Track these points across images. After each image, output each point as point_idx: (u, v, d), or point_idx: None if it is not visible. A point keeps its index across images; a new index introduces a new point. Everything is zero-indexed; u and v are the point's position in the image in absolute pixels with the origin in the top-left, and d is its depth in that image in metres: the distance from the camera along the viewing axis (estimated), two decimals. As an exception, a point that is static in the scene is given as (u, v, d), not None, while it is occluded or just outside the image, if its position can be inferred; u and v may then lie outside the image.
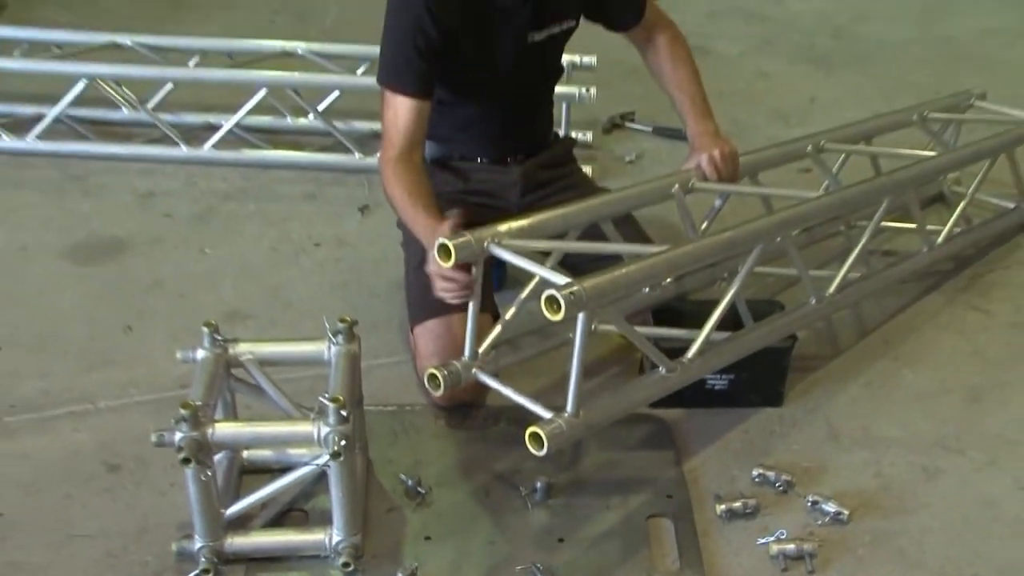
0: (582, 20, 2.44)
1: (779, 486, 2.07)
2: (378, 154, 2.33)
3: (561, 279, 1.79)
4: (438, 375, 1.97)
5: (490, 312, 2.26)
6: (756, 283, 2.54)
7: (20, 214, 3.04)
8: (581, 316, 1.80)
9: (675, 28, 2.54)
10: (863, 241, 2.45)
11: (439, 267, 1.97)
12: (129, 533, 1.95)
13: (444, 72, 2.29)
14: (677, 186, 2.31)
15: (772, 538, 1.94)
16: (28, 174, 3.26)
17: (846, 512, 2.00)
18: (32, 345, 2.48)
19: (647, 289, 2.33)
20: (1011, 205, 2.97)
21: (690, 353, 2.08)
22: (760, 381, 2.29)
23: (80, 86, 3.31)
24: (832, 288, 2.37)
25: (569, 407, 1.85)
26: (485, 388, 2.19)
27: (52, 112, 3.34)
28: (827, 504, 2.01)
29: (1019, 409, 2.34)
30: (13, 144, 3.35)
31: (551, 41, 2.37)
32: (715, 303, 2.12)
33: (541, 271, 1.90)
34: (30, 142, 3.35)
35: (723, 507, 2.01)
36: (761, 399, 2.30)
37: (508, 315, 2.08)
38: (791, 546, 1.91)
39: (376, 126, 3.38)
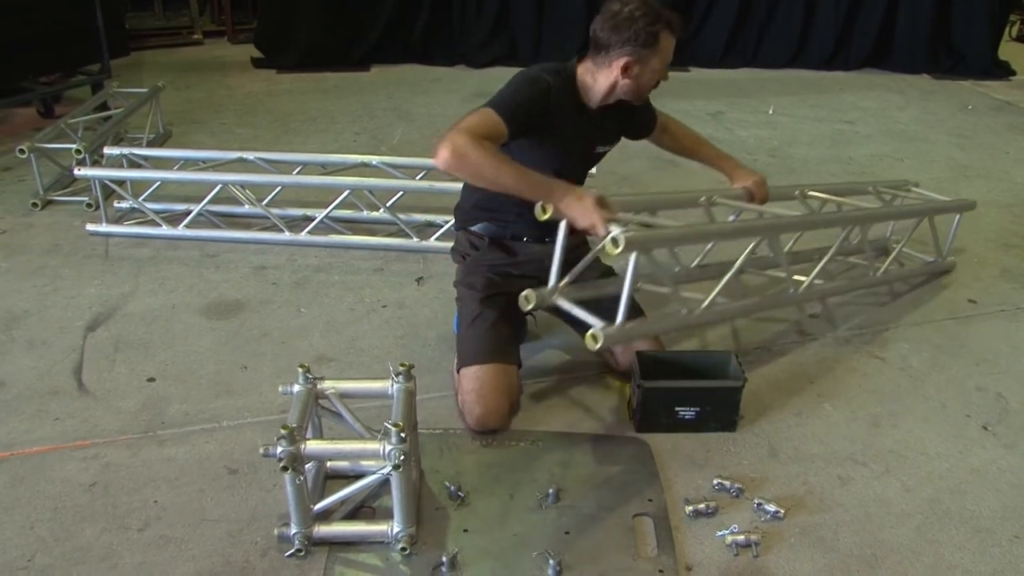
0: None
1: (733, 492, 2.03)
2: (445, 136, 1.94)
3: (621, 241, 1.87)
4: None
5: (515, 364, 2.26)
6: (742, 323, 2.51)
7: (171, 282, 3.05)
8: (633, 254, 1.93)
9: (672, 118, 2.62)
10: (829, 255, 2.61)
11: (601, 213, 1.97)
12: (244, 519, 1.93)
13: (522, 161, 2.05)
14: (704, 197, 2.45)
15: (727, 531, 1.90)
16: (178, 253, 3.28)
17: (782, 511, 1.97)
18: (177, 378, 2.48)
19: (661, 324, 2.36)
20: (931, 259, 3.15)
21: (704, 304, 2.20)
22: (719, 412, 2.25)
23: (216, 189, 3.36)
24: (803, 286, 2.54)
25: (620, 318, 1.95)
26: (511, 417, 2.18)
27: (196, 208, 3.38)
28: (768, 505, 1.98)
29: (905, 432, 2.30)
30: (169, 232, 3.38)
31: (603, 155, 2.41)
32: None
33: (607, 243, 1.92)
34: (180, 230, 3.38)
35: (691, 508, 1.97)
36: (720, 426, 2.26)
37: (579, 267, 2.13)
38: (741, 537, 1.88)
39: (429, 217, 3.43)
